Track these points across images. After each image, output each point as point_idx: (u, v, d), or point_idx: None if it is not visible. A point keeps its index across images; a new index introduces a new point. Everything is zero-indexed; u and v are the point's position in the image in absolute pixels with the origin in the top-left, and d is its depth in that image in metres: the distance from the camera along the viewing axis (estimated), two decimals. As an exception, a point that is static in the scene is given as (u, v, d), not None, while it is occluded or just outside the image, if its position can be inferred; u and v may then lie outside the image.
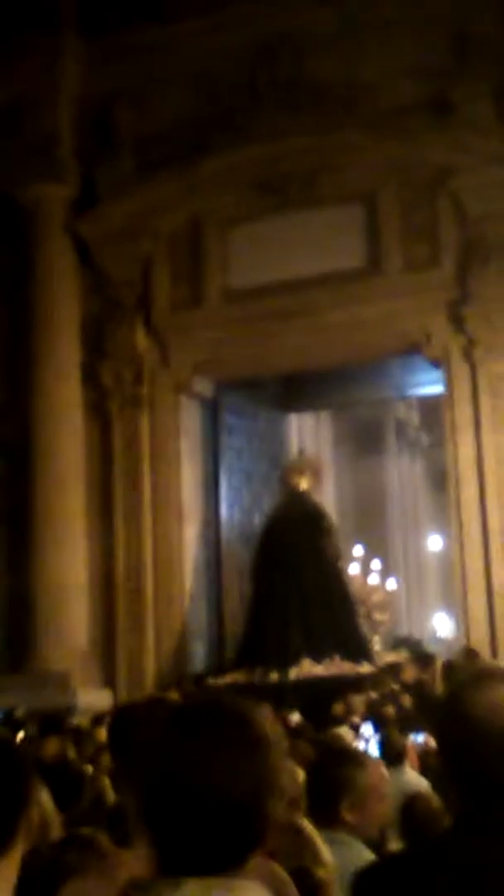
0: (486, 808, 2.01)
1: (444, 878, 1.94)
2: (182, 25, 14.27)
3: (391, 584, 20.44)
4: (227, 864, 1.63)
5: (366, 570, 18.77)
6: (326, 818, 3.17)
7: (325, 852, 2.90)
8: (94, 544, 14.25)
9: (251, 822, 1.63)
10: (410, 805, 4.91)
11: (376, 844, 3.42)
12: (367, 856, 3.22)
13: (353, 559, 17.64)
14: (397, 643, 17.25)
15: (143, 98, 14.64)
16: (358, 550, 18.47)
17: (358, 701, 11.25)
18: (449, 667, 11.60)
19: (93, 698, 12.74)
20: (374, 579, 18.87)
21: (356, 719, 10.70)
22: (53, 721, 9.27)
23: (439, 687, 10.95)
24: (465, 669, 10.89)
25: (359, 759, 3.44)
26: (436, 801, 4.88)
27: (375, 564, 19.67)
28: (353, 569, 17.29)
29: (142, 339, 14.44)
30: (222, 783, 1.61)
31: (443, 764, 2.23)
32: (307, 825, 2.94)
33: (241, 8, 14.03)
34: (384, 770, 3.46)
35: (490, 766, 2.04)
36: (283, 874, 2.48)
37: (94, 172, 14.57)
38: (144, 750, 1.71)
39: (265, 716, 1.71)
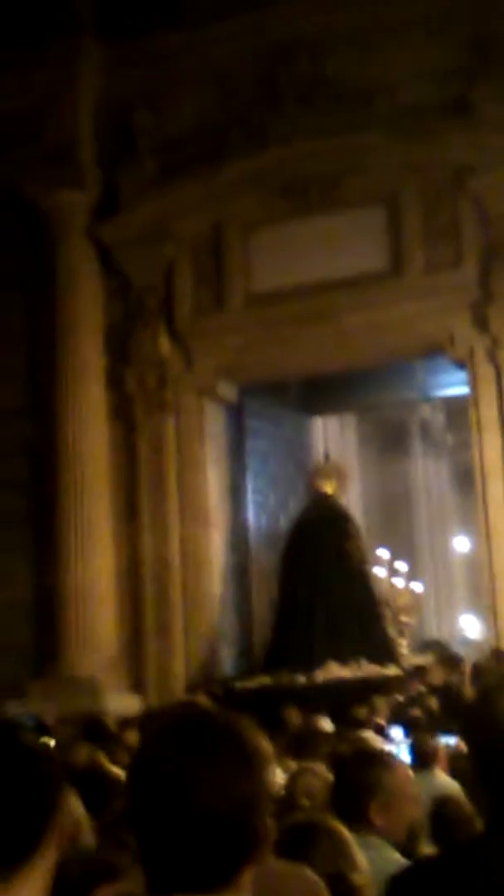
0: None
1: (480, 882, 1.93)
2: (201, 30, 14.29)
3: (418, 586, 20.37)
4: (218, 880, 1.62)
5: (392, 573, 18.73)
6: (355, 821, 3.16)
7: (360, 857, 2.89)
8: (120, 549, 14.27)
9: (241, 838, 1.62)
10: (441, 809, 4.89)
11: (406, 848, 3.40)
12: (398, 859, 3.20)
13: (379, 562, 17.61)
14: (425, 646, 17.20)
15: (163, 102, 14.67)
16: (384, 553, 18.43)
17: (381, 703, 11.21)
18: (478, 669, 11.55)
19: (121, 703, 12.75)
20: (400, 582, 18.83)
21: (381, 721, 10.66)
22: (93, 726, 9.25)
23: (468, 690, 10.89)
24: (494, 672, 10.84)
25: (386, 761, 3.43)
26: (466, 804, 4.85)
27: (402, 567, 19.61)
28: (380, 572, 17.27)
29: (165, 344, 14.46)
30: (211, 799, 1.60)
31: (473, 767, 2.22)
32: (342, 829, 2.93)
33: (259, 11, 14.03)
34: (410, 772, 3.44)
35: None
36: (313, 880, 2.47)
37: (116, 178, 14.61)
38: (133, 764, 1.71)
39: (255, 731, 1.71)
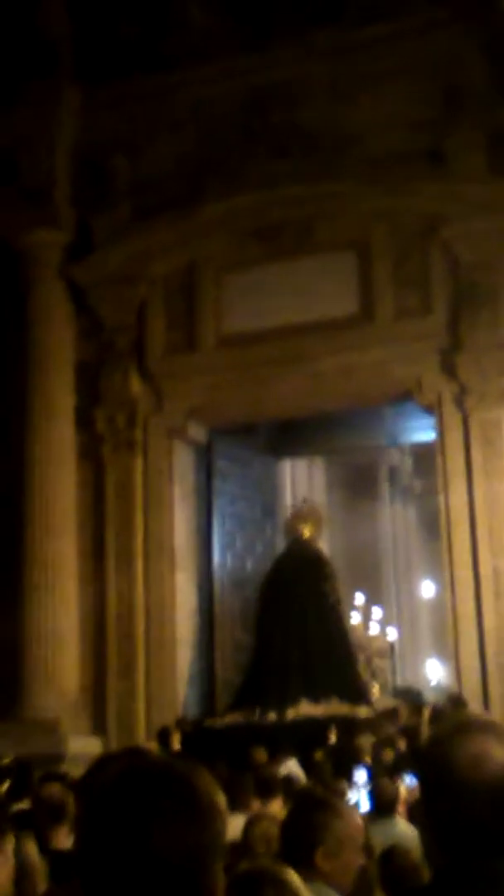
0: (466, 862, 1.98)
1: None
2: (177, 74, 14.47)
3: (392, 633, 20.51)
4: None
5: (366, 618, 18.88)
6: (302, 867, 3.13)
7: None
8: (85, 589, 14.18)
9: (193, 888, 1.61)
10: (388, 857, 4.85)
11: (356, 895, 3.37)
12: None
13: (354, 607, 17.73)
14: (398, 693, 17.22)
15: (140, 145, 14.79)
16: (359, 598, 18.63)
17: (366, 742, 11.18)
18: (435, 714, 11.52)
19: (82, 745, 12.62)
20: (374, 628, 18.98)
21: (367, 759, 10.63)
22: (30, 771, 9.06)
23: (425, 734, 10.85)
24: (451, 718, 10.80)
25: (335, 806, 3.40)
26: (416, 852, 4.82)
27: (377, 613, 19.78)
28: (355, 617, 17.42)
29: (136, 384, 14.47)
30: (163, 849, 1.59)
31: (423, 814, 2.20)
32: (291, 878, 2.89)
33: (236, 58, 14.23)
34: (359, 819, 3.41)
35: (471, 818, 2.01)
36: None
37: (90, 219, 14.68)
38: (84, 813, 1.69)
39: (209, 780, 1.70)
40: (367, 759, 10.59)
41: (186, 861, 1.61)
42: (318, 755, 10.98)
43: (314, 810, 3.38)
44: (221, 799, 1.68)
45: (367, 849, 4.43)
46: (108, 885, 1.61)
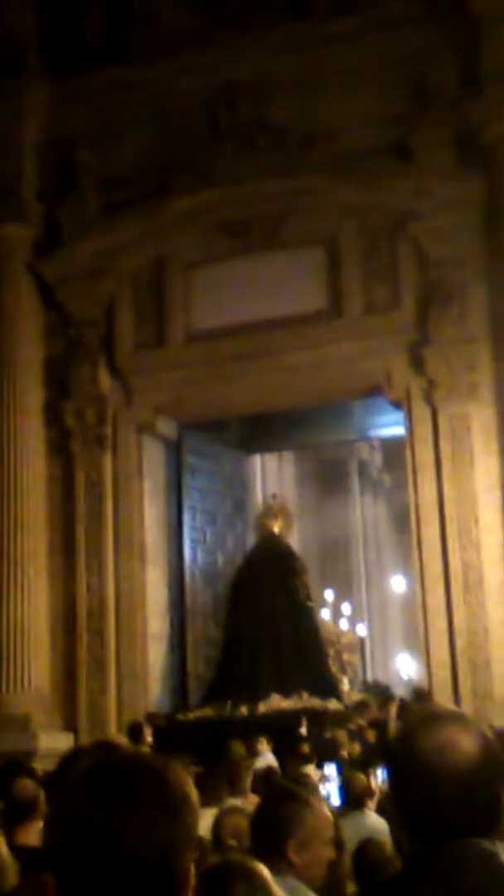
0: (435, 851, 2.01)
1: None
2: (145, 69, 14.43)
3: (361, 628, 20.66)
4: None
5: (336, 613, 19.05)
6: (272, 860, 3.14)
7: None
8: (55, 585, 14.16)
9: (163, 882, 1.62)
10: (362, 851, 4.87)
11: (327, 890, 3.38)
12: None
13: (324, 604, 17.86)
14: (367, 688, 17.33)
15: (107, 139, 14.74)
16: (329, 594, 18.79)
17: (342, 735, 11.23)
18: (402, 707, 11.60)
19: (54, 742, 12.60)
20: (344, 624, 19.16)
21: (344, 753, 10.69)
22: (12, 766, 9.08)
23: (393, 727, 10.93)
24: (417, 710, 10.87)
25: (304, 798, 3.42)
26: (389, 846, 4.85)
27: (346, 609, 19.95)
28: (325, 612, 17.56)
29: (105, 380, 14.44)
30: (133, 843, 1.60)
31: (393, 804, 2.22)
32: (261, 870, 2.88)
33: (204, 52, 14.21)
34: (328, 812, 3.43)
35: (439, 806, 2.04)
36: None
37: (58, 213, 14.63)
38: (54, 808, 1.70)
39: (180, 774, 1.70)
40: (344, 752, 10.66)
41: (157, 854, 1.61)
42: (304, 748, 11.03)
43: (283, 803, 3.39)
44: (193, 792, 1.69)
45: (339, 842, 4.45)
46: (80, 880, 1.62)
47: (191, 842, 1.67)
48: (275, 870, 3.02)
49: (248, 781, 8.54)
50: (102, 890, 1.61)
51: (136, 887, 1.60)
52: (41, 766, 9.92)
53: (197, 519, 15.65)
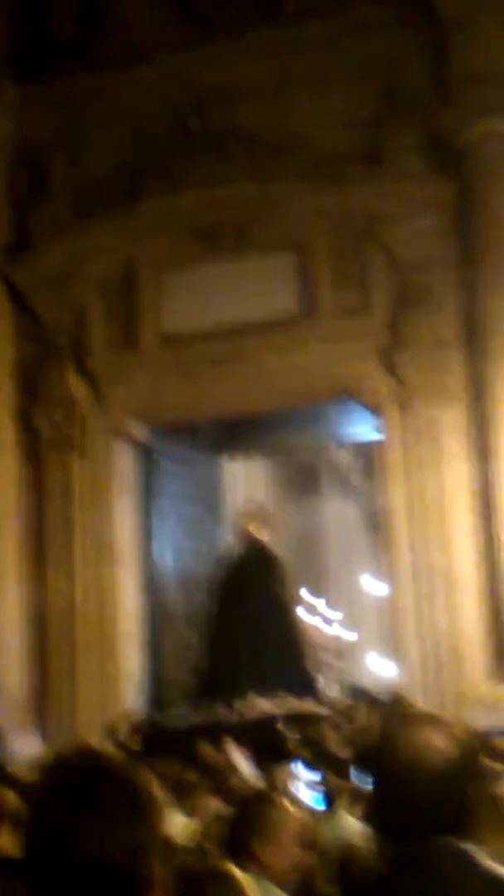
0: (415, 851, 2.04)
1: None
2: (115, 73, 14.42)
3: (343, 631, 20.83)
4: None
5: (316, 616, 19.21)
6: (241, 860, 3.15)
7: None
8: (26, 590, 14.11)
9: (130, 886, 1.64)
10: (347, 855, 4.89)
11: (300, 891, 3.40)
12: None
13: (304, 604, 17.99)
14: (348, 690, 17.43)
15: (77, 144, 14.73)
16: (310, 597, 18.94)
17: (331, 734, 11.26)
18: (378, 710, 11.64)
19: (25, 747, 12.55)
20: (324, 626, 19.35)
21: (331, 753, 10.71)
22: None
23: (368, 729, 10.97)
24: (395, 713, 10.94)
25: (270, 798, 3.44)
26: (370, 849, 4.85)
27: (329, 611, 20.13)
28: (305, 614, 17.68)
29: (76, 384, 14.41)
30: (101, 848, 1.62)
31: (372, 808, 2.25)
32: (234, 873, 2.89)
33: (174, 57, 14.22)
34: (296, 812, 3.44)
35: (417, 807, 2.07)
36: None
37: (28, 218, 14.59)
38: (29, 813, 1.71)
39: (147, 778, 1.72)
40: (330, 752, 10.68)
41: (123, 857, 1.63)
42: (283, 749, 11.06)
43: (251, 803, 3.41)
44: (160, 795, 1.71)
45: (312, 845, 4.47)
46: (48, 883, 1.63)
47: (157, 844, 1.68)
48: (243, 869, 3.02)
49: (232, 783, 8.56)
50: (70, 893, 1.62)
51: (102, 890, 1.62)
52: (12, 771, 9.90)
53: (169, 523, 15.64)
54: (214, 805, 6.48)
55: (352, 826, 6.88)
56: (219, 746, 11.22)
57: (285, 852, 3.32)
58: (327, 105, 13.77)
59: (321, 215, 13.73)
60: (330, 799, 7.60)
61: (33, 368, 14.54)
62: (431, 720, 2.20)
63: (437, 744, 2.11)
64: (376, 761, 2.22)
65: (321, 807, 7.66)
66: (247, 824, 3.29)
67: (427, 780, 2.07)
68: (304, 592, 18.49)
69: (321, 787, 8.10)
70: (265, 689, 13.49)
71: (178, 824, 6.60)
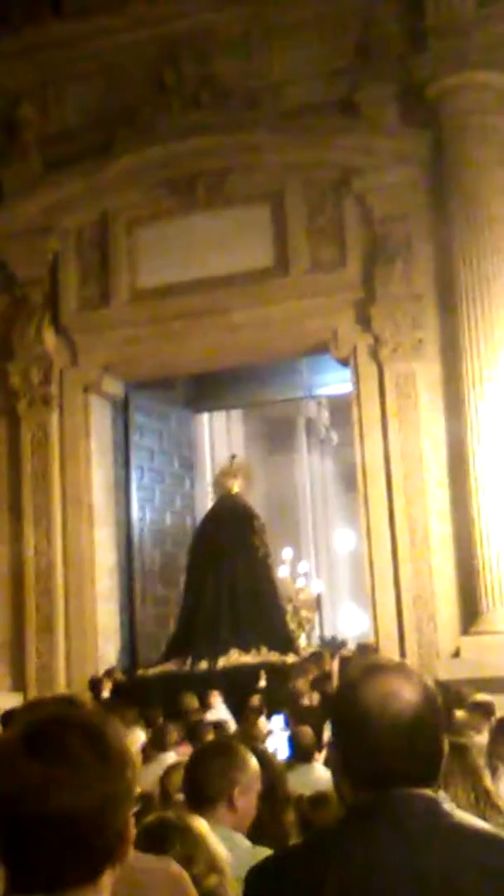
0: (377, 799, 2.04)
1: (334, 869, 1.96)
2: (87, 22, 14.21)
3: (318, 585, 20.98)
4: (79, 880, 1.63)
5: (293, 571, 19.38)
6: (206, 813, 3.18)
7: (221, 854, 2.86)
8: (2, 546, 14.10)
9: (100, 838, 1.64)
10: (315, 803, 4.93)
11: (272, 841, 3.43)
12: (249, 847, 3.24)
13: (281, 561, 18.11)
14: (324, 644, 17.59)
15: (49, 96, 14.56)
16: (287, 552, 19.08)
17: (303, 684, 11.33)
18: (343, 661, 11.72)
19: (2, 702, 12.58)
20: (301, 581, 19.53)
21: (306, 701, 10.80)
22: None
23: (335, 681, 11.05)
24: (360, 662, 11.00)
25: (236, 751, 3.46)
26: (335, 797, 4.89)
27: (304, 567, 20.30)
28: (283, 570, 17.82)
29: (50, 339, 14.32)
30: (70, 800, 1.61)
31: (335, 755, 2.25)
32: (199, 826, 2.91)
33: (148, 6, 14.01)
34: (257, 765, 3.47)
35: (380, 757, 2.07)
36: (177, 872, 2.47)
37: (0, 172, 14.41)
38: None
39: (117, 729, 1.72)
40: (304, 702, 10.77)
41: (94, 810, 1.63)
42: (254, 700, 11.15)
43: (214, 755, 3.44)
44: (132, 747, 1.71)
45: (286, 794, 4.51)
46: (18, 836, 1.63)
47: (129, 797, 1.68)
48: (207, 819, 3.05)
49: (206, 733, 8.62)
50: (41, 845, 1.62)
51: (73, 842, 1.62)
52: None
53: (145, 478, 15.65)
54: (183, 754, 6.52)
55: (323, 775, 6.95)
56: (201, 698, 11.32)
57: (251, 802, 3.35)
58: (302, 56, 13.62)
59: (295, 168, 13.62)
60: (298, 748, 7.66)
61: (7, 324, 14.43)
62: (398, 668, 2.18)
63: (403, 693, 2.09)
64: (339, 708, 2.21)
65: (290, 755, 7.73)
66: (210, 777, 3.31)
67: (392, 729, 2.06)
68: (280, 547, 18.60)
69: (289, 736, 8.16)
70: (243, 642, 13.58)
71: (151, 773, 6.65)
